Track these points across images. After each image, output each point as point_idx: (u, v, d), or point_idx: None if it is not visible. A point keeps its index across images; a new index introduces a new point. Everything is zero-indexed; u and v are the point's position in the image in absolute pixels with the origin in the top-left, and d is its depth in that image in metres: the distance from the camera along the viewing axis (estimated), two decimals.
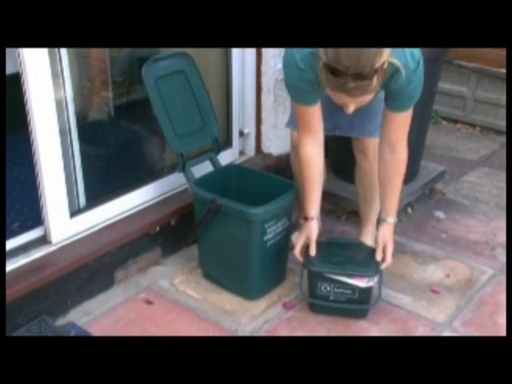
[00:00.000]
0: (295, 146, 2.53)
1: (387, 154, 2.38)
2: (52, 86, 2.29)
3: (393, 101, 2.26)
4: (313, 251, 2.44)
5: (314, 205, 2.48)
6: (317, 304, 2.48)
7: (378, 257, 2.43)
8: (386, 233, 2.45)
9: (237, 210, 2.42)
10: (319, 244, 2.47)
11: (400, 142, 2.35)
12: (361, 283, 2.39)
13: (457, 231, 3.10)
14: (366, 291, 2.43)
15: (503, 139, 4.07)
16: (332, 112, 2.50)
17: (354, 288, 2.41)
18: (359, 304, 2.45)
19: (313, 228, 2.46)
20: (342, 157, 3.08)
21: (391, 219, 2.46)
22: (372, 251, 2.48)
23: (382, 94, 2.30)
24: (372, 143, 2.59)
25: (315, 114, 2.36)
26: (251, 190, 2.66)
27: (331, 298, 2.44)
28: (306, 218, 2.47)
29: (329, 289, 2.43)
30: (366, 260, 2.47)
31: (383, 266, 2.44)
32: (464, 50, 3.99)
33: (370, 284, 2.41)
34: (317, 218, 2.48)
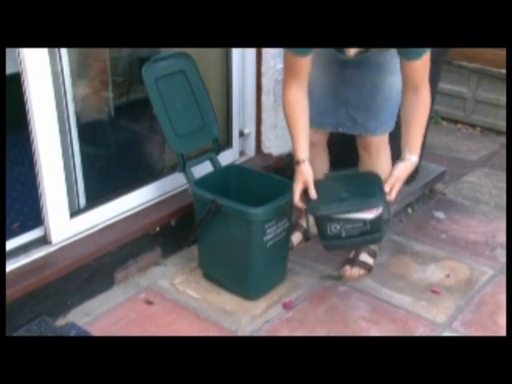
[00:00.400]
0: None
1: (411, 96, 2.32)
2: (52, 85, 2.29)
3: (405, 51, 2.23)
4: (313, 194, 2.35)
5: (303, 147, 2.40)
6: (330, 244, 2.42)
7: (387, 188, 2.33)
8: (404, 169, 2.37)
9: (237, 211, 2.42)
10: (316, 184, 2.38)
11: (423, 83, 2.30)
12: (370, 215, 2.30)
13: (457, 232, 3.10)
14: (377, 220, 2.33)
15: (503, 140, 4.07)
16: (335, 109, 2.51)
17: (364, 220, 2.32)
18: (372, 234, 2.37)
19: (307, 170, 2.37)
20: (343, 157, 3.06)
21: (414, 158, 2.37)
22: (372, 179, 2.40)
23: (385, 90, 2.30)
24: (375, 141, 2.59)
25: (305, 65, 2.33)
26: (251, 190, 2.66)
27: (343, 235, 2.36)
28: (298, 162, 2.38)
29: (338, 227, 2.34)
30: (369, 190, 2.36)
31: (394, 192, 2.35)
32: (464, 51, 3.99)
33: (379, 213, 2.32)
34: (308, 160, 2.41)
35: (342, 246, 2.45)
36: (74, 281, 2.47)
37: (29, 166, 2.56)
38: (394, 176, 2.35)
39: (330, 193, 2.37)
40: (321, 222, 2.37)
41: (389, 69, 2.40)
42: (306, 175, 2.36)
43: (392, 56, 2.35)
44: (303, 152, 2.39)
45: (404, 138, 2.39)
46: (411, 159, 2.36)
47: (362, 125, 2.56)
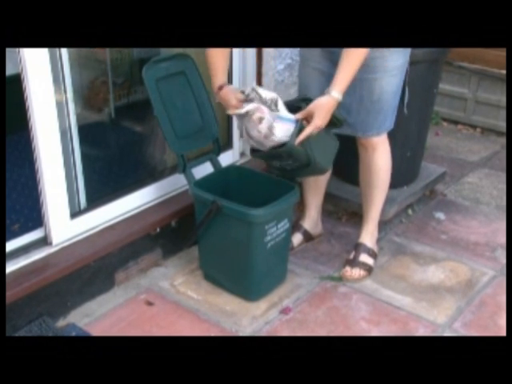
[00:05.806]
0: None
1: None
2: (52, 85, 2.29)
3: None
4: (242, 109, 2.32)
5: (225, 72, 2.40)
6: (286, 175, 2.55)
7: (298, 116, 2.28)
8: (323, 103, 2.27)
9: (237, 212, 2.42)
10: None
11: None
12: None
13: (457, 232, 3.10)
14: (297, 153, 2.30)
15: (504, 140, 4.07)
16: None
17: (288, 153, 2.31)
18: (308, 166, 2.37)
19: (230, 91, 2.36)
20: (342, 158, 3.06)
21: (335, 93, 2.26)
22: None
23: (375, 94, 2.30)
24: (371, 139, 2.62)
25: None
26: (252, 191, 2.66)
27: (288, 168, 2.42)
28: (221, 87, 2.38)
29: (279, 163, 2.42)
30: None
31: (303, 135, 2.27)
32: (465, 52, 3.99)
33: (284, 139, 2.27)
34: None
35: (296, 176, 2.60)
36: (74, 282, 2.47)
37: (29, 167, 2.56)
38: (310, 107, 2.28)
39: None
40: (264, 160, 2.54)
41: (378, 70, 2.41)
42: (232, 95, 2.35)
43: (382, 57, 2.36)
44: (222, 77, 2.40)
45: (333, 75, 2.31)
46: (331, 93, 2.27)
47: (353, 127, 2.56)
